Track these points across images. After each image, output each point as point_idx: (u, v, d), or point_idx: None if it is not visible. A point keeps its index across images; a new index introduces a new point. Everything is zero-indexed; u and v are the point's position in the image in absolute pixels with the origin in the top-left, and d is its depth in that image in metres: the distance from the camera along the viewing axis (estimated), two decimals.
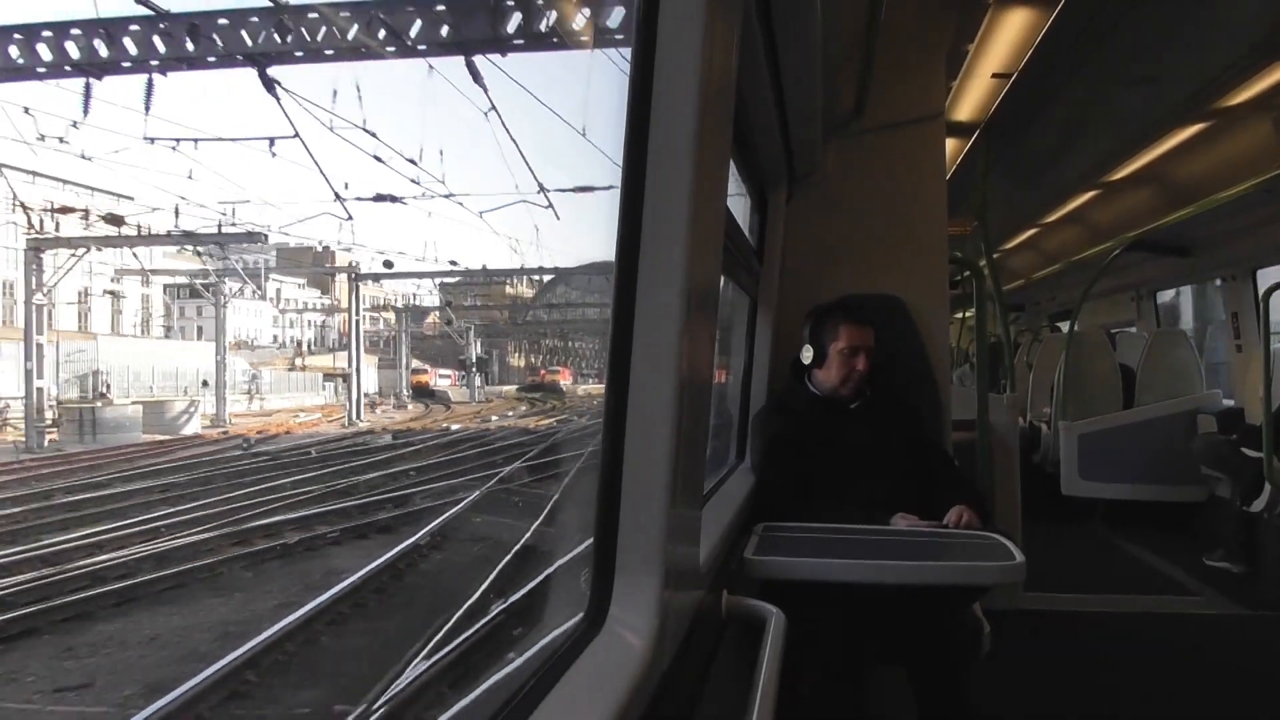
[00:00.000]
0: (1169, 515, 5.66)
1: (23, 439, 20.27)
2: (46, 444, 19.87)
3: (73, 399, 25.59)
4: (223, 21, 10.43)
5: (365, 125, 14.40)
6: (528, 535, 8.79)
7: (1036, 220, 7.89)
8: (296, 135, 13.34)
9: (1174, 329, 7.60)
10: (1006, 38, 3.98)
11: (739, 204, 2.88)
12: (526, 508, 10.76)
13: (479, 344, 42.43)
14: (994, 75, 4.39)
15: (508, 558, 7.88)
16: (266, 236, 24.81)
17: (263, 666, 5.65)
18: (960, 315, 9.91)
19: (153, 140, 16.14)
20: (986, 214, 5.35)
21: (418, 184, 28.41)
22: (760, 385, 3.09)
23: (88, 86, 11.11)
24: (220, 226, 25.20)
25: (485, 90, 10.45)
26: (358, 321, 32.63)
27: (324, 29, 10.30)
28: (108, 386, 28.83)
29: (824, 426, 2.63)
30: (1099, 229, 7.14)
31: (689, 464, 1.21)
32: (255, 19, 10.39)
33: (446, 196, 20.46)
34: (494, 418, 30.06)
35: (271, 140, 15.35)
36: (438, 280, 37.29)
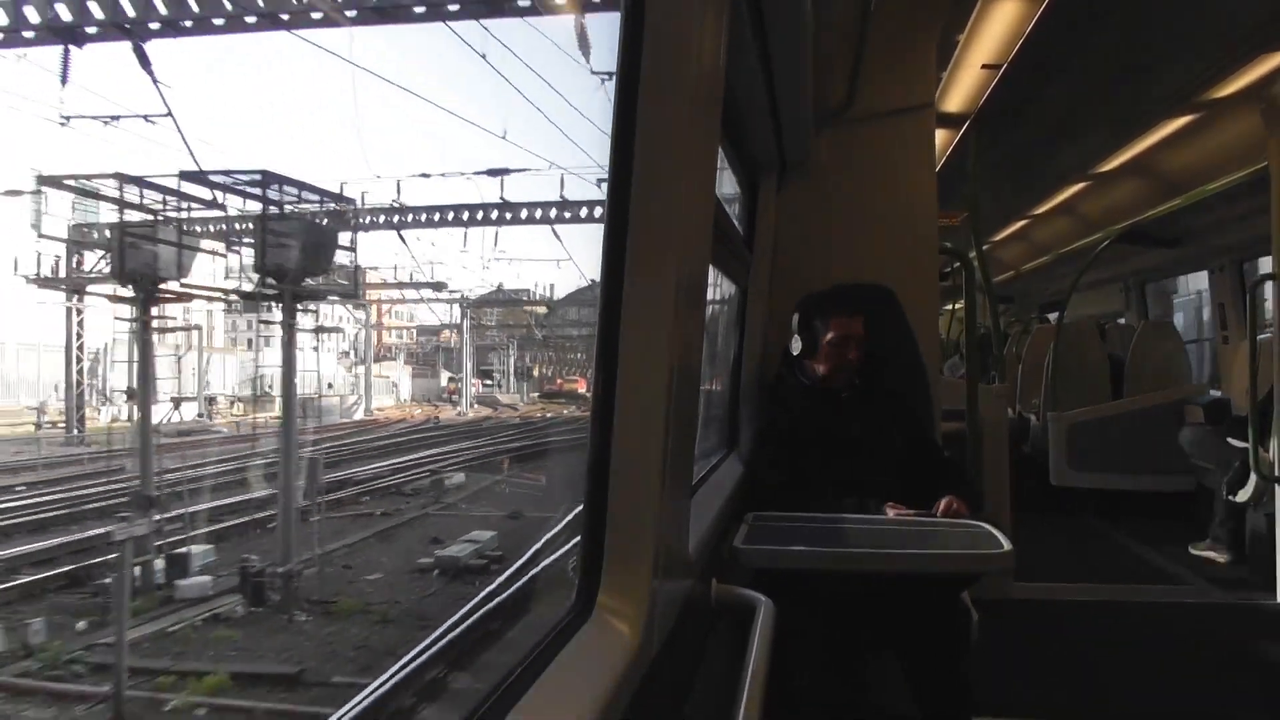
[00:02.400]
0: (1157, 505, 5.69)
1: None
2: None
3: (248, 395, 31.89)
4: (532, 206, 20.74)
5: None
6: None
7: (1026, 212, 7.90)
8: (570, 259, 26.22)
9: (1162, 320, 7.64)
10: (997, 28, 3.97)
11: (729, 193, 2.87)
12: None
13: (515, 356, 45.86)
14: (984, 66, 4.38)
15: None
16: (446, 285, 32.29)
17: None
18: (950, 306, 9.94)
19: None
20: (976, 205, 5.36)
21: None
22: (750, 375, 3.08)
23: (464, 235, 21.98)
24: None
25: None
26: (468, 339, 38.11)
27: (584, 209, 19.94)
28: (271, 386, 33.59)
29: (814, 416, 2.63)
30: (1088, 220, 7.16)
31: (678, 453, 1.21)
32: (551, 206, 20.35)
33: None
34: (564, 411, 33.37)
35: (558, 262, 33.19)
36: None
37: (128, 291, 11.77)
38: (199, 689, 6.39)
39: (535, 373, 48.05)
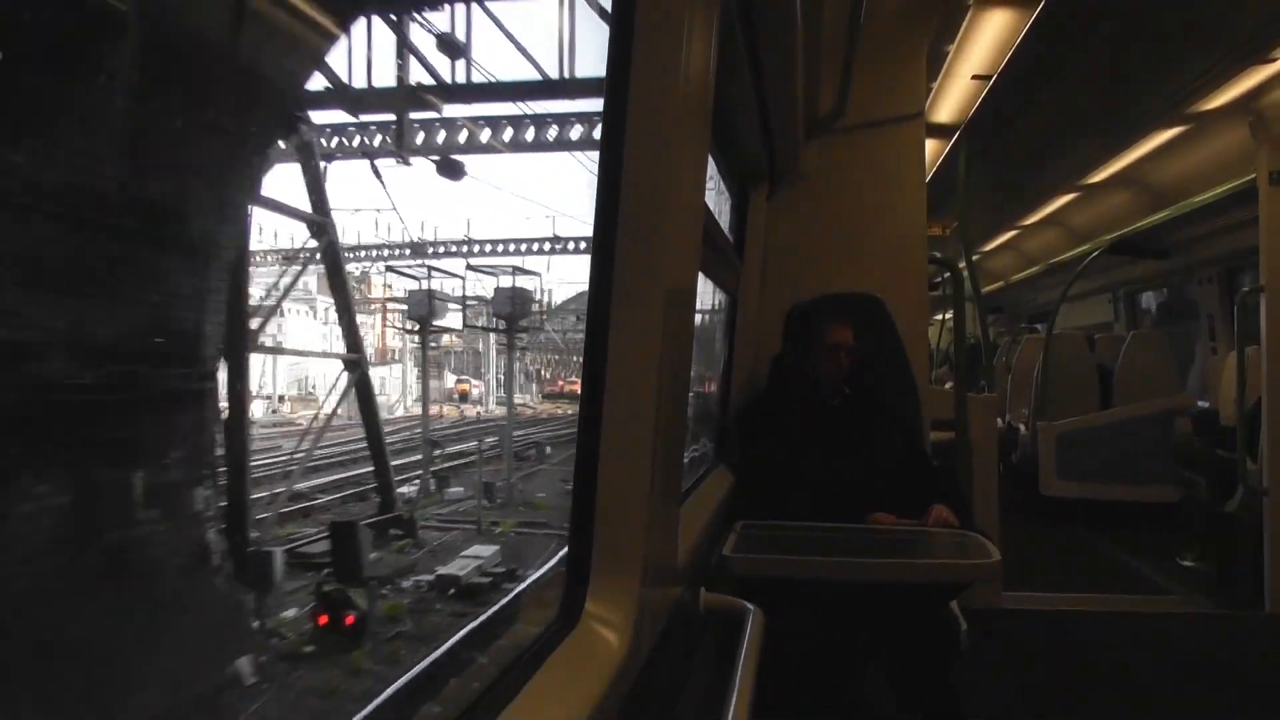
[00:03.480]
0: (1145, 514, 5.71)
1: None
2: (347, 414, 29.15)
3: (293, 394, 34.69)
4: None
5: None
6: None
7: (1016, 222, 7.94)
8: None
9: (1150, 330, 7.67)
10: (986, 39, 4.00)
11: (720, 201, 2.87)
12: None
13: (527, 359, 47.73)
14: (974, 77, 4.41)
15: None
16: (485, 299, 35.15)
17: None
18: (940, 316, 9.97)
19: None
20: (966, 215, 5.38)
21: None
22: (740, 383, 3.08)
23: (522, 261, 25.16)
24: None
25: None
26: (493, 342, 40.81)
27: None
28: (313, 386, 36.07)
29: (804, 424, 2.63)
30: (1077, 231, 7.20)
31: (666, 461, 1.20)
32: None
33: None
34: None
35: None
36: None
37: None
38: (506, 526, 11.63)
39: (539, 375, 48.80)
